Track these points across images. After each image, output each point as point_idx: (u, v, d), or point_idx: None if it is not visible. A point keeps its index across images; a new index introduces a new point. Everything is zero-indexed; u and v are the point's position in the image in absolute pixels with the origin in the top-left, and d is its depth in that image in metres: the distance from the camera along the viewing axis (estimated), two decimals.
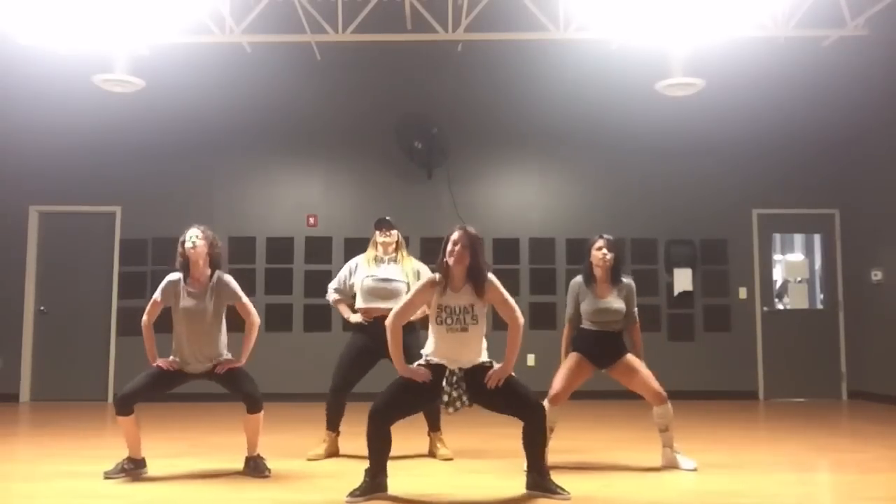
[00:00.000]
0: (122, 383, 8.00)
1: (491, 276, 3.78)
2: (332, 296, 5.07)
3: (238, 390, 4.28)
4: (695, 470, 4.36)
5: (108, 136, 8.40)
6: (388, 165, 8.49)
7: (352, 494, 3.65)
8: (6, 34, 7.07)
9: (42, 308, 8.33)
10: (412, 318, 4.40)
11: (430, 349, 3.79)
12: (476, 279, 3.72)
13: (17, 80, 8.30)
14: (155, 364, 4.29)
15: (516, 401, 3.71)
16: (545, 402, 4.41)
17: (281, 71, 8.53)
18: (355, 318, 4.90)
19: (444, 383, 3.66)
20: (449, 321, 3.69)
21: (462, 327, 3.69)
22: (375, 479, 3.70)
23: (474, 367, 3.73)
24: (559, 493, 3.72)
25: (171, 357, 4.32)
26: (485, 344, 3.82)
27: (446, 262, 3.72)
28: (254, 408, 4.28)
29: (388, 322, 3.80)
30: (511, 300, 3.80)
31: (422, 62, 8.49)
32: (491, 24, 7.47)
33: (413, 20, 7.69)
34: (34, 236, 8.42)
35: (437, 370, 3.71)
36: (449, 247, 3.72)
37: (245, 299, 4.40)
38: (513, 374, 3.76)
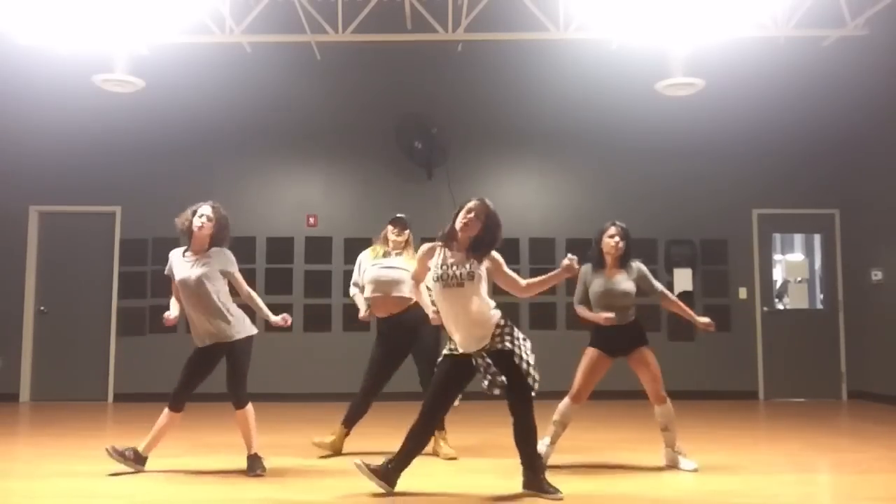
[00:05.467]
0: (122, 383, 8.09)
1: (495, 253, 3.86)
2: (352, 290, 5.22)
3: (229, 381, 4.35)
4: (695, 471, 4.36)
5: (108, 136, 8.40)
6: (388, 165, 8.49)
7: (365, 463, 3.75)
8: (6, 34, 7.07)
9: (42, 308, 8.33)
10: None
11: (443, 320, 3.86)
12: (478, 250, 3.78)
13: (17, 80, 8.29)
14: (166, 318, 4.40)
15: (516, 388, 3.73)
16: (566, 399, 4.44)
17: (281, 71, 8.53)
18: (362, 314, 5.03)
19: (478, 372, 3.72)
20: (445, 277, 3.73)
21: (458, 282, 3.71)
22: (393, 470, 3.77)
23: (493, 352, 3.72)
24: (551, 493, 3.74)
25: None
26: (492, 305, 3.81)
27: (454, 227, 3.78)
28: (235, 404, 4.35)
29: (411, 286, 4.03)
30: (512, 273, 3.91)
31: (422, 62, 8.49)
32: (491, 24, 7.47)
33: (413, 20, 7.70)
34: (34, 236, 8.41)
35: (465, 358, 3.75)
36: (462, 214, 3.78)
37: (239, 275, 4.48)
38: (524, 365, 3.74)
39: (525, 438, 3.79)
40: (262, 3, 7.10)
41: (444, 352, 3.87)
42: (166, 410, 4.33)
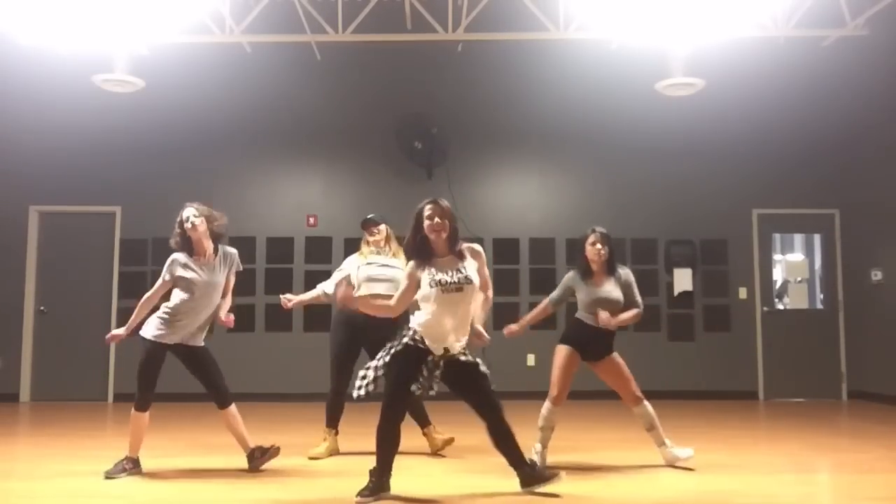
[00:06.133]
0: (122, 383, 8.07)
1: (478, 246, 3.88)
2: (318, 288, 5.15)
3: (208, 382, 4.35)
4: (691, 457, 4.39)
5: (108, 136, 8.40)
6: (388, 165, 8.49)
7: (361, 494, 3.67)
8: (6, 34, 7.06)
9: (42, 308, 8.33)
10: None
11: (422, 318, 3.73)
12: (454, 246, 3.79)
13: (17, 80, 8.29)
14: (108, 338, 4.50)
15: (481, 396, 3.77)
16: (546, 403, 4.43)
17: (281, 71, 8.53)
18: (292, 301, 5.00)
19: (423, 368, 3.69)
20: (443, 283, 3.69)
21: (457, 287, 3.69)
22: (382, 479, 3.74)
23: (453, 359, 3.73)
24: (551, 478, 3.77)
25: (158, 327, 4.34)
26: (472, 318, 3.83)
27: (426, 236, 3.76)
28: (223, 402, 4.35)
29: (391, 303, 3.87)
30: (488, 278, 3.89)
31: (422, 62, 8.49)
32: (491, 24, 7.46)
33: (413, 20, 7.69)
34: (34, 236, 8.41)
35: (422, 353, 3.71)
36: (426, 223, 3.75)
37: (233, 280, 4.51)
38: (486, 372, 3.78)
39: (504, 440, 3.79)
40: (262, 3, 7.10)
41: (405, 341, 3.73)
42: (134, 413, 4.28)
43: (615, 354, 4.51)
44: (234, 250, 4.50)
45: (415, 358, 3.71)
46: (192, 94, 8.46)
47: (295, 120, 8.57)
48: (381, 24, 7.55)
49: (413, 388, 3.68)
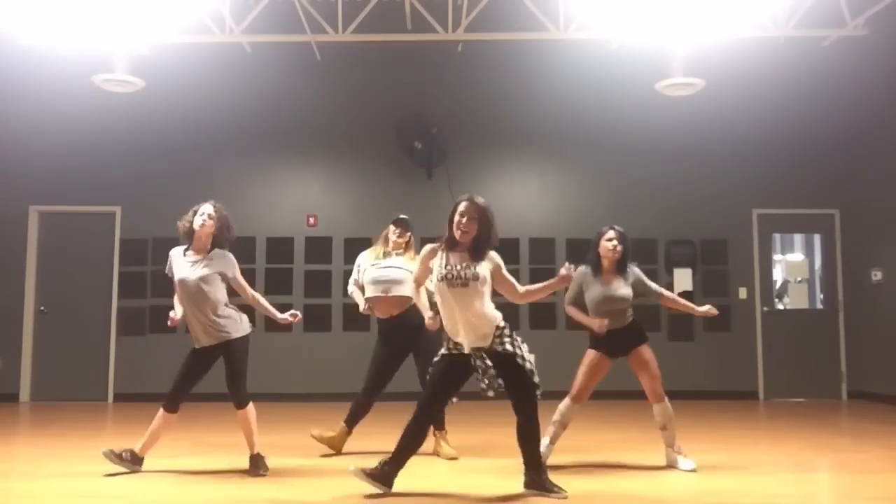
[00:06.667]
0: (122, 383, 8.09)
1: (493, 253, 3.86)
2: (350, 287, 5.23)
3: (227, 383, 4.35)
4: (693, 471, 4.36)
5: (108, 136, 8.40)
6: (388, 165, 8.49)
7: (361, 469, 3.74)
8: (6, 34, 7.06)
9: (42, 308, 8.32)
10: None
11: (443, 321, 3.81)
12: (478, 249, 3.78)
13: (17, 80, 8.29)
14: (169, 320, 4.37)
15: (521, 388, 3.75)
16: (567, 400, 4.45)
17: (281, 71, 8.53)
18: (362, 308, 5.06)
19: (475, 373, 3.71)
20: (449, 277, 3.73)
21: (462, 282, 3.71)
22: (388, 469, 3.76)
23: (490, 351, 3.72)
24: (556, 492, 3.74)
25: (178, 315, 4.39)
26: (492, 308, 3.79)
27: (453, 234, 3.78)
28: (236, 404, 4.35)
29: (412, 286, 4.07)
30: (511, 278, 3.88)
31: (422, 62, 8.49)
32: (491, 24, 7.46)
33: (413, 20, 7.69)
34: (34, 236, 8.41)
35: (462, 358, 3.74)
36: (456, 218, 3.77)
37: (241, 279, 4.45)
38: (527, 365, 3.75)
39: (529, 439, 3.80)
40: (262, 3, 7.09)
41: (442, 351, 3.86)
42: (161, 412, 4.33)
43: (645, 348, 4.48)
44: (228, 253, 4.46)
45: (453, 365, 3.76)
46: (192, 94, 8.46)
47: (295, 120, 8.57)
48: (381, 24, 7.54)
49: (490, 393, 3.67)
